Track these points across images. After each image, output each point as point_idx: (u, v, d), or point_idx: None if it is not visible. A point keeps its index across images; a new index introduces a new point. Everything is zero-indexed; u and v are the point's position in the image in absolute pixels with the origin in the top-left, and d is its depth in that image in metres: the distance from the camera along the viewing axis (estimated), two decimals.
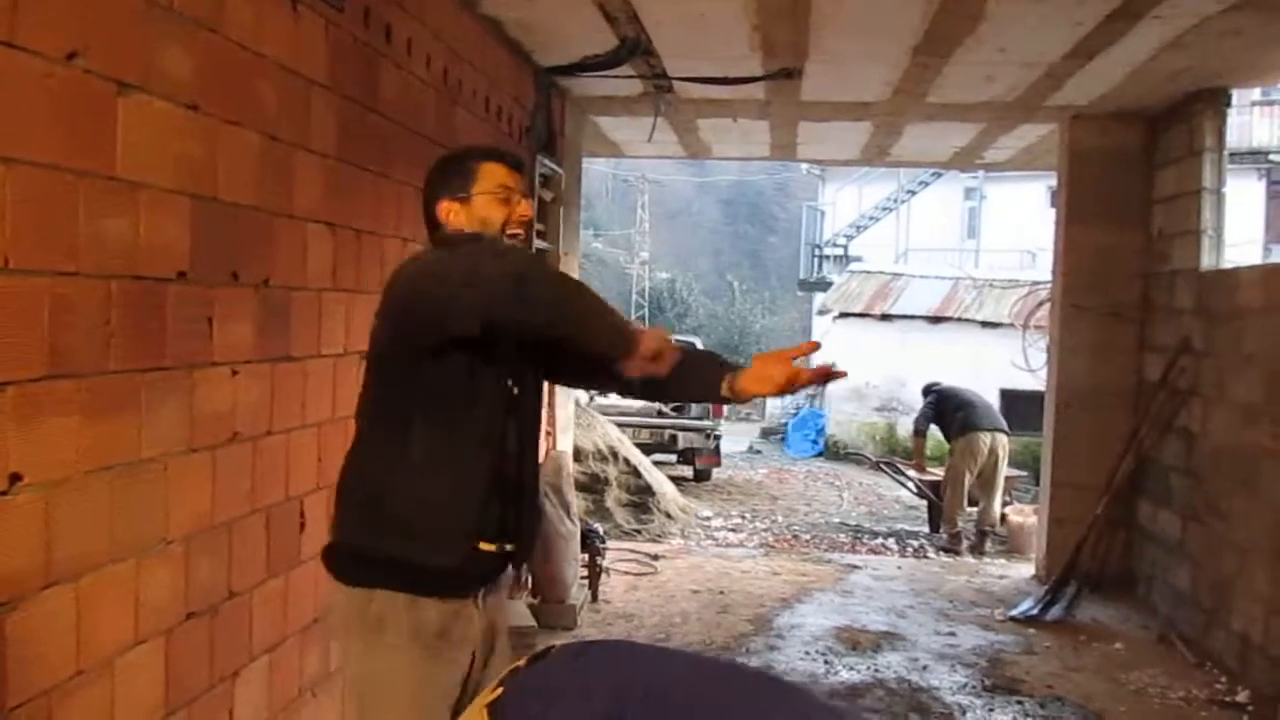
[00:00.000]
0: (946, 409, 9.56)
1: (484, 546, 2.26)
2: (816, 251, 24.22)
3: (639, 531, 9.06)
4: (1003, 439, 9.43)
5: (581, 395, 10.05)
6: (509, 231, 2.37)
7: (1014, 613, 6.34)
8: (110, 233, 2.29)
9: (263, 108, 2.94)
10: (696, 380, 2.43)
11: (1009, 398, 14.05)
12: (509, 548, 2.33)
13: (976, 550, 9.12)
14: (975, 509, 9.56)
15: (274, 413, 3.06)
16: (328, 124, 3.35)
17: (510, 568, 2.41)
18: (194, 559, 2.65)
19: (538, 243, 6.18)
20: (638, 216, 35.71)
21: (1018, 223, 20.18)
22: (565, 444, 7.30)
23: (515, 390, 2.34)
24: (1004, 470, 9.47)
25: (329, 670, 3.46)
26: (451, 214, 2.38)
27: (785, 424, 19.96)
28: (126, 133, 2.32)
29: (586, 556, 6.28)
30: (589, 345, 2.18)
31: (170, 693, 2.55)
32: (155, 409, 2.46)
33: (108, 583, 2.31)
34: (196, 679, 2.68)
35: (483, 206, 2.36)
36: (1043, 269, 8.42)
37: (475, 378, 2.25)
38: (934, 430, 9.75)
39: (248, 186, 2.87)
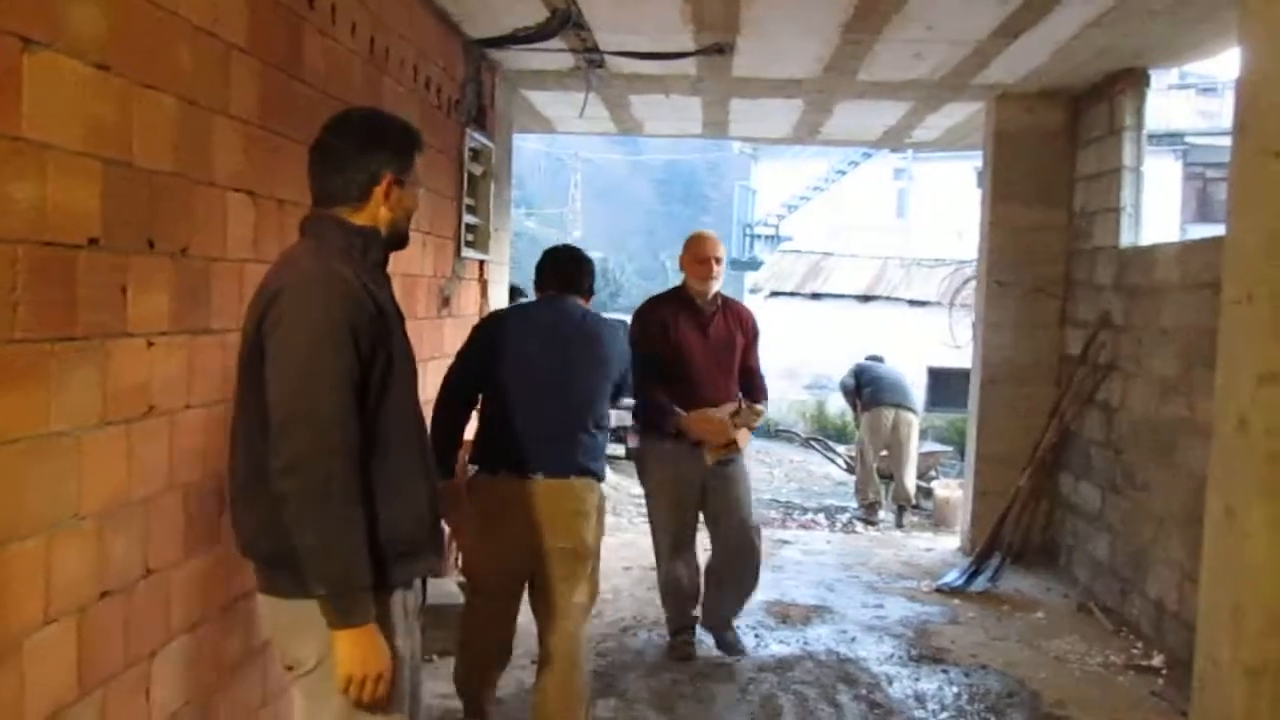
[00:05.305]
0: (860, 383, 9.74)
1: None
2: (748, 231, 24.31)
3: None
4: (907, 415, 9.53)
5: None
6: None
7: (940, 584, 6.46)
8: (16, 196, 2.19)
9: (179, 70, 2.84)
10: None
11: (937, 375, 14.27)
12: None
13: (897, 524, 9.26)
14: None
15: (192, 386, 2.97)
16: (249, 90, 3.25)
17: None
18: (108, 536, 2.57)
19: (468, 218, 6.10)
20: (570, 195, 35.53)
21: (945, 203, 20.48)
22: None
23: None
24: (913, 447, 9.58)
25: (251, 650, 3.39)
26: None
27: None
28: (33, 92, 2.22)
29: None
30: None
31: (84, 674, 2.47)
32: (66, 380, 2.37)
33: (15, 561, 2.22)
34: (111, 659, 2.60)
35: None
36: (969, 247, 8.61)
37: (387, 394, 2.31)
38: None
39: (164, 152, 2.77)
